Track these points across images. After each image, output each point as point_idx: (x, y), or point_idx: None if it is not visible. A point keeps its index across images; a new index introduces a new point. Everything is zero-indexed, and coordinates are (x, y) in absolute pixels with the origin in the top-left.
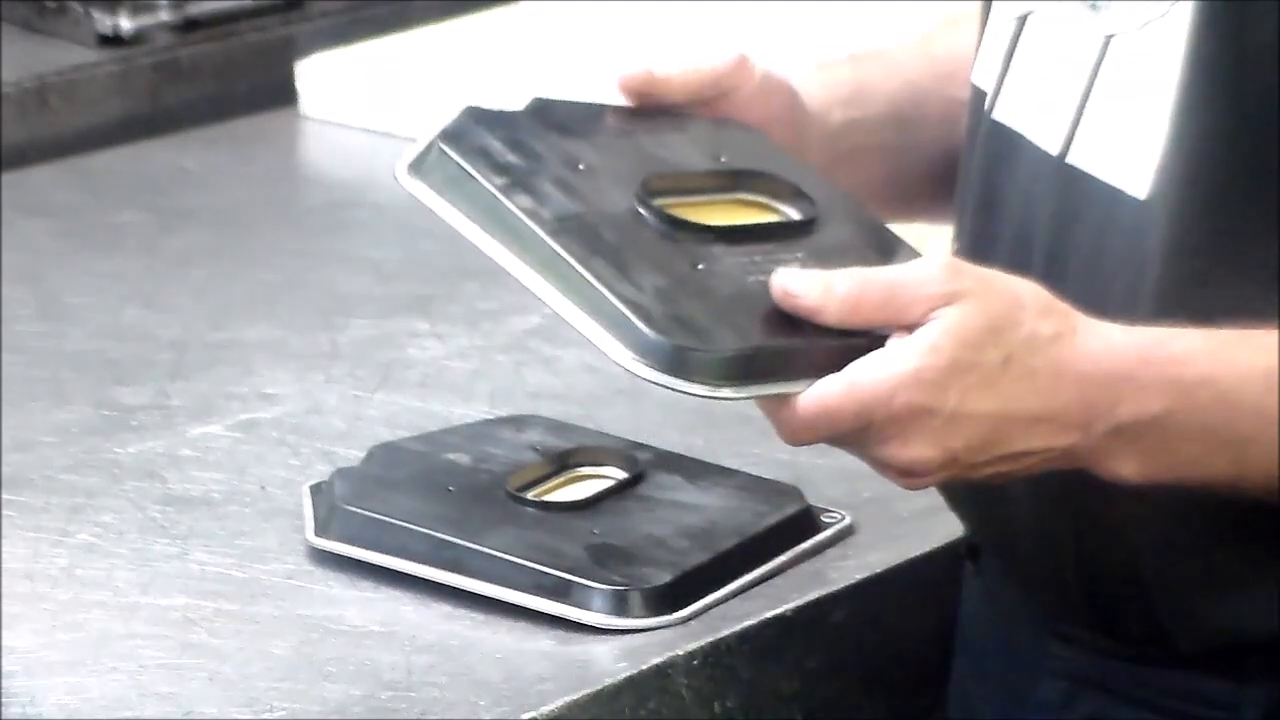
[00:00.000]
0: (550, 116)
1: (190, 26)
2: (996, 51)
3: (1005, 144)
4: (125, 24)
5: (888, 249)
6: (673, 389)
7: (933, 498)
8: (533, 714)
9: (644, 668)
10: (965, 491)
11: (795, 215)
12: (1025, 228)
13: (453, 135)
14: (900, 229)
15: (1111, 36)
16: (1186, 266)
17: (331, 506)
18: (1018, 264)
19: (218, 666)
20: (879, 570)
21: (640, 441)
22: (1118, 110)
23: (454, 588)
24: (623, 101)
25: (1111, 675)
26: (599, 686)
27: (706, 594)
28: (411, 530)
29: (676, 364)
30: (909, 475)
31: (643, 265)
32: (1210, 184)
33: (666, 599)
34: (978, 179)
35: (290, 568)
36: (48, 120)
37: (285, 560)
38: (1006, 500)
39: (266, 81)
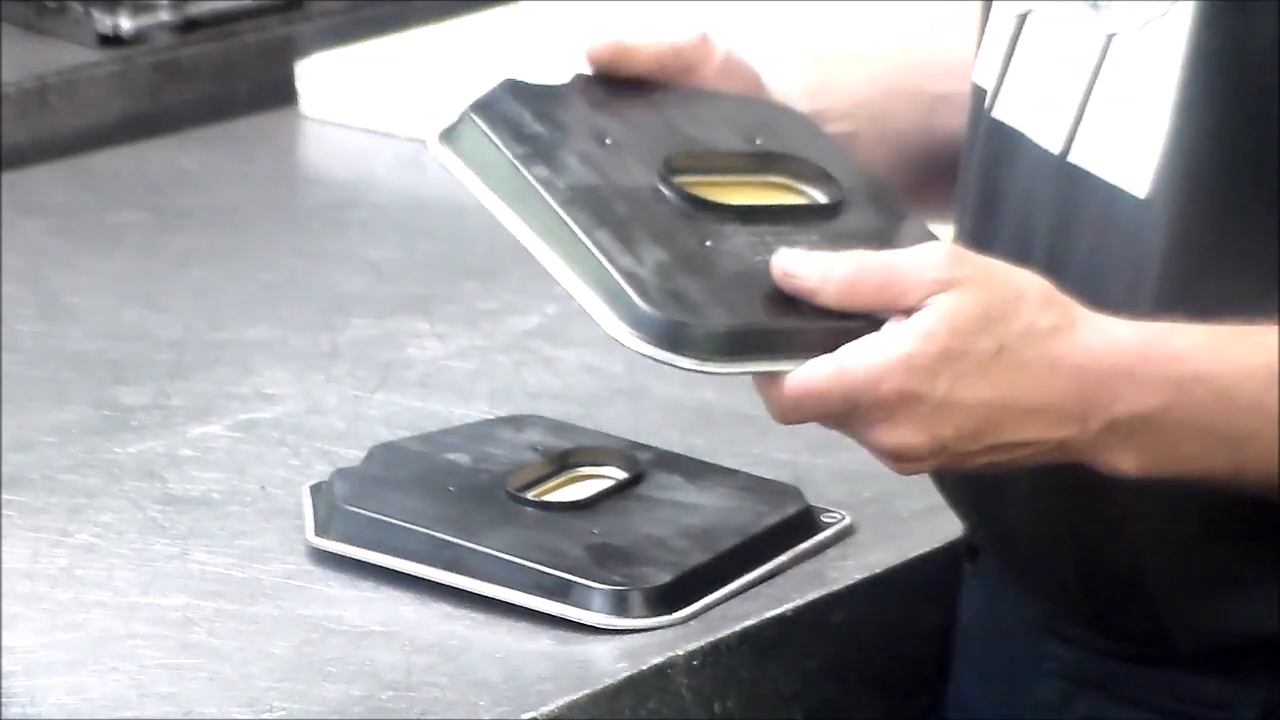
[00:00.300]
0: (588, 92)
1: (190, 26)
2: (997, 50)
3: (1005, 143)
4: (125, 24)
5: (909, 238)
6: (661, 361)
7: (933, 498)
8: (533, 714)
9: (644, 668)
10: (965, 491)
11: (821, 199)
12: (1025, 226)
13: (484, 105)
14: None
15: (1113, 36)
16: (1186, 265)
17: (331, 506)
18: (1018, 263)
19: (218, 666)
20: (879, 570)
21: (640, 441)
22: (1118, 109)
23: (454, 588)
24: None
25: (1110, 675)
26: (599, 686)
27: (706, 594)
28: (411, 530)
29: (666, 337)
30: (899, 460)
31: (648, 239)
32: (1211, 183)
33: (666, 599)
34: (978, 178)
35: (290, 568)
36: (48, 120)
37: (285, 560)
38: (1006, 500)
39: (266, 81)
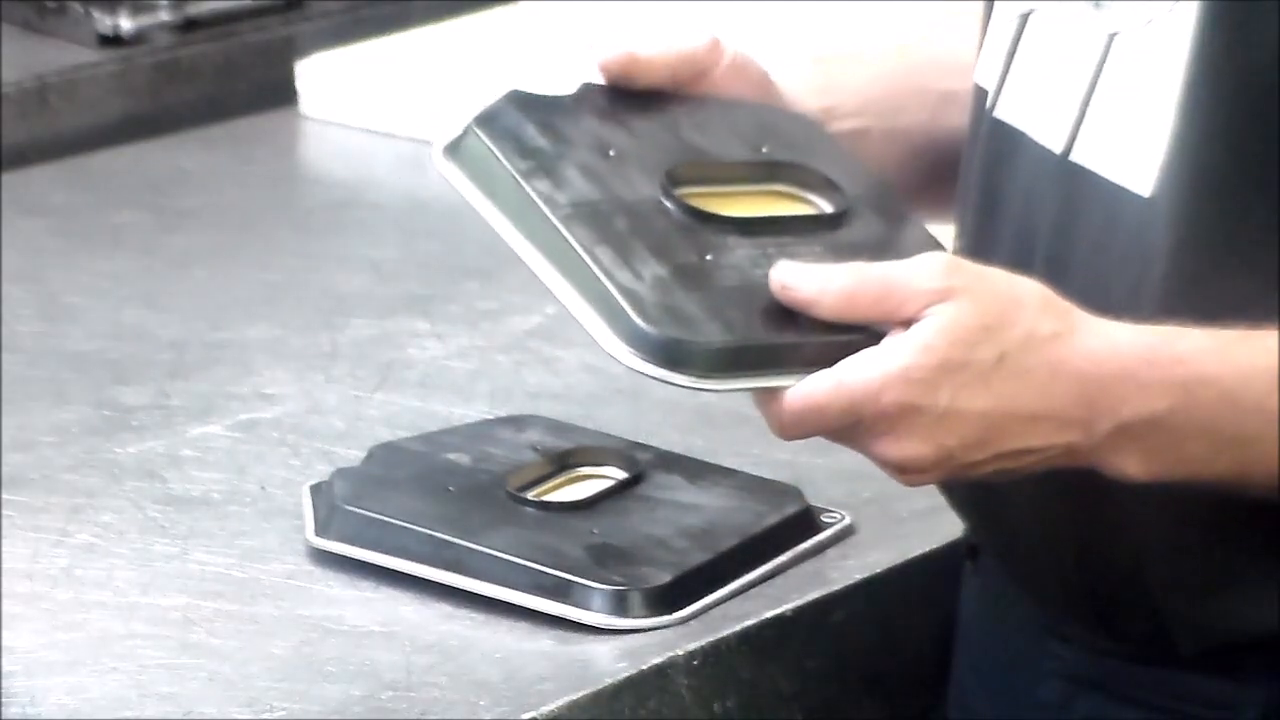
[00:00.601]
0: (593, 101)
1: (190, 26)
2: (999, 50)
3: (1007, 142)
4: (125, 24)
5: (912, 246)
6: (658, 379)
7: (933, 498)
8: (533, 714)
9: (644, 668)
10: (965, 492)
11: (826, 208)
12: (1027, 226)
13: (487, 118)
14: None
15: (1115, 34)
16: (1190, 264)
17: (331, 506)
18: (1019, 262)
19: (218, 666)
20: (879, 570)
21: (640, 441)
22: (1121, 108)
23: (454, 588)
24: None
25: (1111, 675)
26: (599, 686)
27: (706, 594)
28: (411, 530)
29: (663, 355)
30: (905, 472)
31: (648, 254)
32: (1215, 180)
33: (666, 599)
34: (979, 177)
35: (290, 568)
36: (48, 120)
37: (285, 560)
38: (1007, 500)
39: (266, 81)
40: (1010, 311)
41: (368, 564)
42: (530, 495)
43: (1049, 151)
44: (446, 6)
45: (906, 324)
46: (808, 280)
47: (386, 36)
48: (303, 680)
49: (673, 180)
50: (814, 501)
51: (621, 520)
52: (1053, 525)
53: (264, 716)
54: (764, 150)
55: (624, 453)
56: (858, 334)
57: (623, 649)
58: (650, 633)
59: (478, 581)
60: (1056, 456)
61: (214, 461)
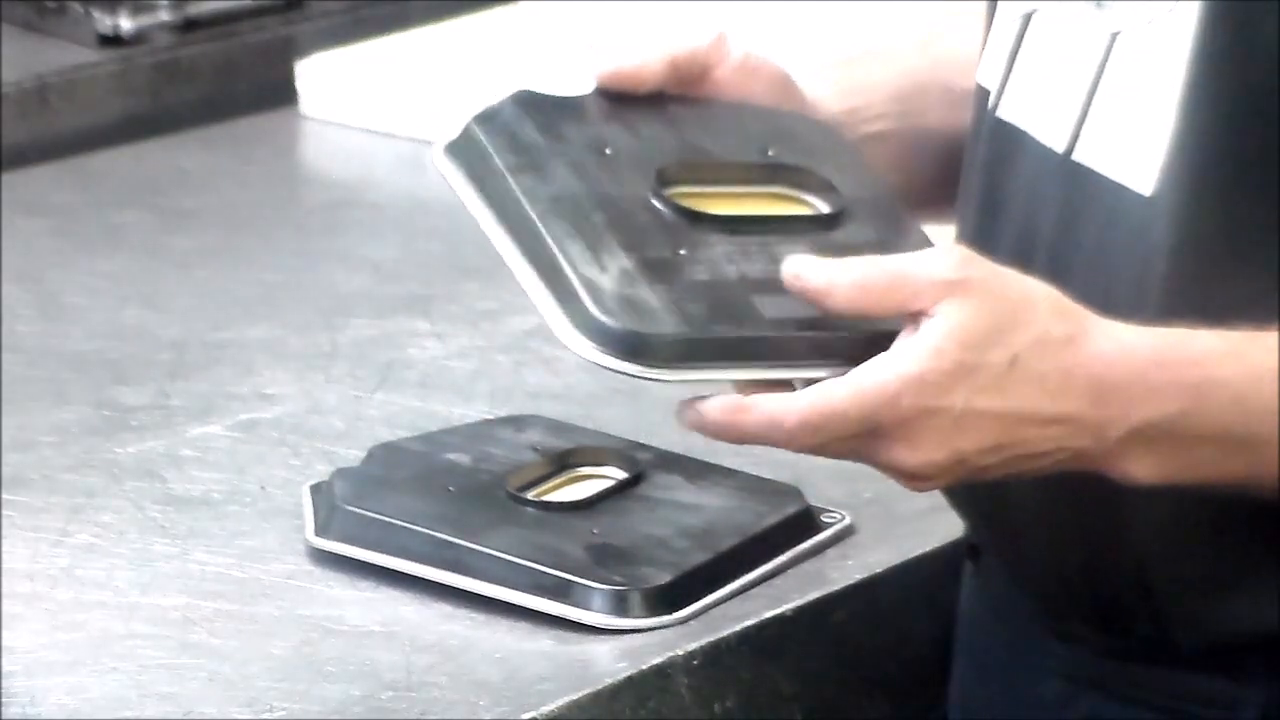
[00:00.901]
0: (602, 102)
1: (190, 26)
2: (1001, 50)
3: (1009, 142)
4: (125, 24)
5: (908, 250)
6: (612, 369)
7: (933, 498)
8: (533, 714)
9: (644, 668)
10: (966, 492)
11: (822, 210)
12: (1029, 225)
13: (487, 116)
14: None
15: (1117, 34)
16: (1192, 263)
17: (331, 506)
18: (1021, 262)
19: (218, 666)
20: (879, 570)
21: (640, 441)
22: (1123, 107)
23: (454, 588)
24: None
25: (1112, 674)
26: (599, 686)
27: (706, 594)
28: (411, 530)
29: (617, 345)
30: (917, 479)
31: (619, 248)
32: (1217, 179)
33: (666, 599)
34: (980, 177)
35: (290, 568)
36: (48, 120)
37: (285, 560)
38: (1008, 500)
39: (266, 81)
40: (1021, 312)
41: (368, 564)
42: (530, 495)
43: (1051, 151)
44: (446, 6)
45: (916, 317)
46: (820, 272)
47: (386, 36)
48: (303, 680)
49: (666, 179)
50: (814, 501)
51: (621, 520)
52: (1054, 525)
53: (264, 716)
54: (770, 153)
55: (624, 453)
56: (822, 330)
57: (623, 649)
58: (650, 633)
59: (478, 581)
60: (1066, 461)
61: (214, 461)
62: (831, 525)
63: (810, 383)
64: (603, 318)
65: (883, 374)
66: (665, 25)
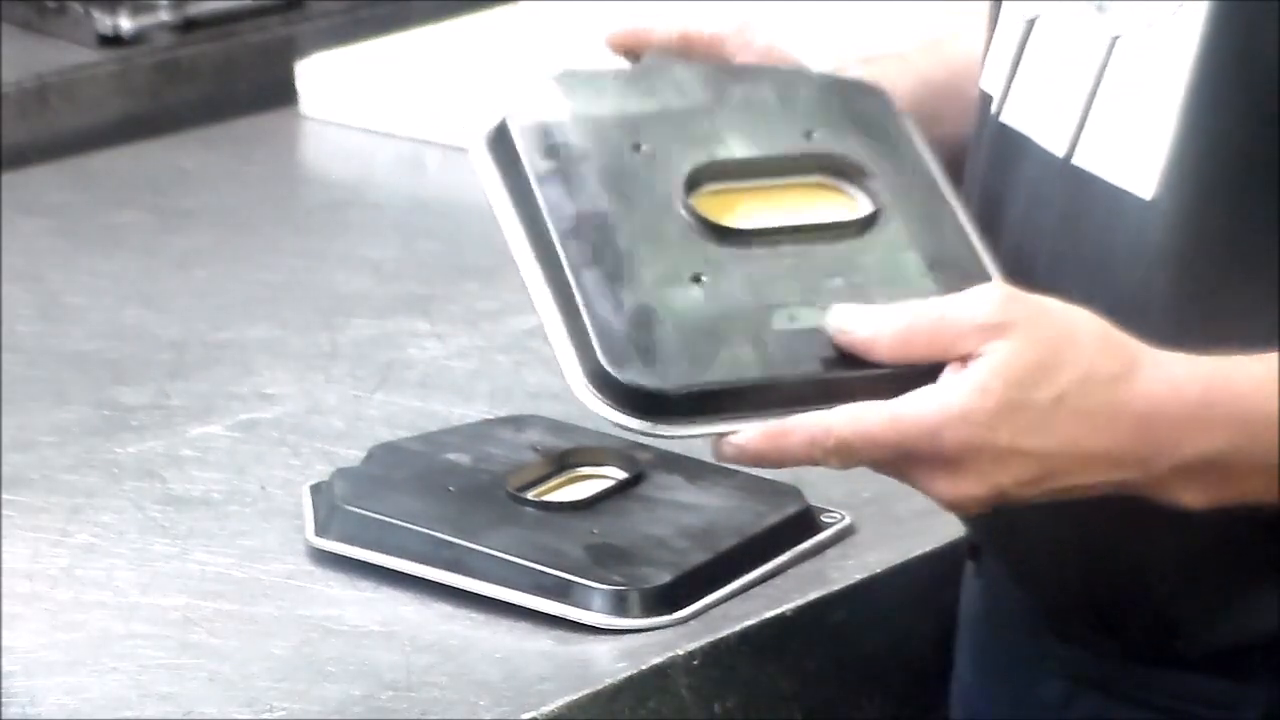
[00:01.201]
0: (643, 81)
1: (190, 26)
2: (1004, 55)
3: (1010, 146)
4: (125, 24)
5: (943, 259)
6: (619, 424)
7: None
8: (533, 714)
9: (644, 668)
10: None
11: (863, 203)
12: (1030, 230)
13: (521, 110)
14: None
15: (1117, 38)
16: (1193, 267)
17: (331, 506)
18: (1021, 266)
19: (218, 666)
20: (879, 570)
21: (640, 441)
22: (1123, 111)
23: (454, 588)
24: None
25: (1113, 675)
26: (599, 686)
27: (706, 594)
28: (411, 530)
29: (623, 399)
30: (955, 507)
31: (637, 278)
32: (1218, 184)
33: (666, 599)
34: (982, 181)
35: (290, 568)
36: (48, 120)
37: (285, 560)
38: None
39: (266, 81)
40: (1066, 350)
41: (368, 564)
42: (530, 495)
43: (1052, 155)
44: (446, 6)
45: (965, 359)
46: (864, 323)
47: (386, 36)
48: (303, 680)
49: (699, 178)
50: (814, 501)
51: (621, 520)
52: (1056, 526)
53: (264, 716)
54: (813, 136)
55: (624, 453)
56: (836, 371)
57: (623, 649)
58: (650, 633)
59: (478, 581)
60: (1110, 489)
61: (214, 461)
62: (831, 525)
63: None
64: (611, 370)
65: (924, 406)
66: (665, 26)
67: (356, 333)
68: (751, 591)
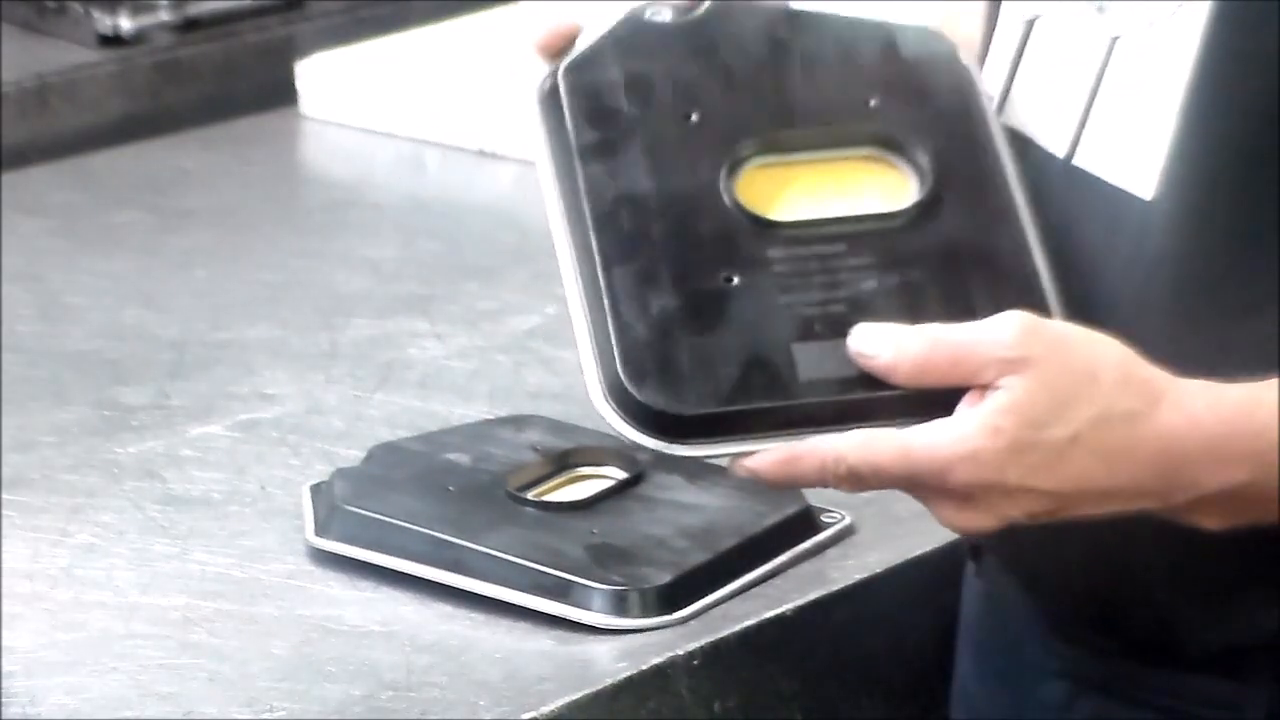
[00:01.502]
0: (708, 30)
1: (190, 26)
2: (1004, 56)
3: (1011, 148)
4: (125, 24)
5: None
6: (632, 440)
7: None
8: (533, 714)
9: (644, 668)
10: None
11: (913, 186)
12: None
13: (579, 64)
14: None
15: (1117, 38)
16: (1193, 268)
17: (331, 506)
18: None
19: (218, 666)
20: (879, 570)
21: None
22: (1123, 111)
23: (454, 588)
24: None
25: (1114, 676)
26: (599, 686)
27: (706, 594)
28: (411, 530)
29: (638, 415)
30: (963, 533)
31: (667, 277)
32: (1219, 184)
33: (666, 599)
34: None
35: (290, 568)
36: (48, 120)
37: (285, 560)
38: None
39: (266, 81)
40: (1084, 387)
41: (368, 564)
42: (530, 495)
43: (1052, 156)
44: (446, 6)
45: (984, 389)
46: (884, 347)
47: (386, 36)
48: (303, 680)
49: (745, 153)
50: (814, 501)
51: (621, 520)
52: (1057, 528)
53: (264, 716)
54: (871, 103)
55: (624, 453)
56: (856, 393)
57: (623, 649)
58: (650, 633)
59: (478, 581)
60: (1125, 514)
61: (214, 461)
62: (831, 525)
63: None
64: (629, 386)
65: (935, 440)
66: None
67: (356, 333)
68: (751, 591)
